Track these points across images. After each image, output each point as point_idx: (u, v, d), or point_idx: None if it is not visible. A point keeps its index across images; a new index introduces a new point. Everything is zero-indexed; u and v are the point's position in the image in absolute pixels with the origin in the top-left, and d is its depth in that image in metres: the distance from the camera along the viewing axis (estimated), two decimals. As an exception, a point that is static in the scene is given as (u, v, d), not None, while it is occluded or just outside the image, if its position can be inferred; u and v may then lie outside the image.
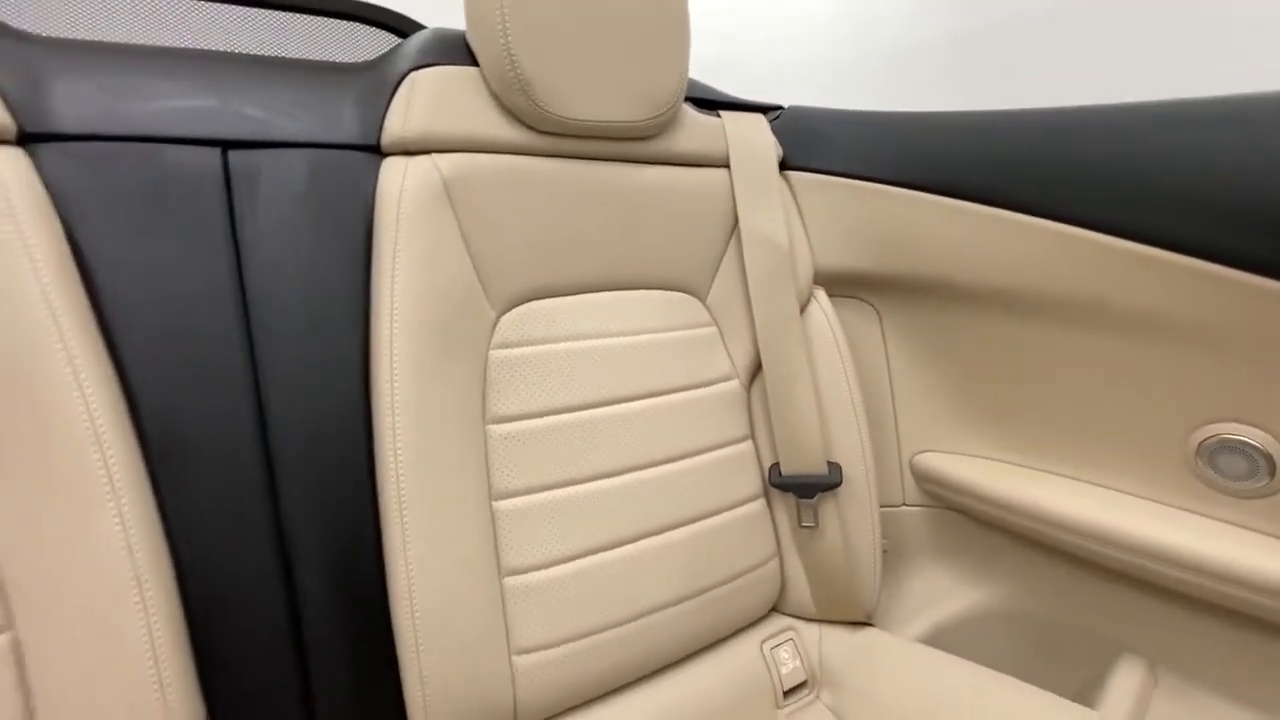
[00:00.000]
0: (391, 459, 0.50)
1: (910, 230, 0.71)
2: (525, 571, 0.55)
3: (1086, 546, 0.67)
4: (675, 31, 0.62)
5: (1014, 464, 0.75)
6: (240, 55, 0.55)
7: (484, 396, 0.56)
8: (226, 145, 0.49)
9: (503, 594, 0.54)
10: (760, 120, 0.73)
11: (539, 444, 0.57)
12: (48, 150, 0.44)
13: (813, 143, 0.75)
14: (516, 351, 0.58)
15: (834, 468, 0.68)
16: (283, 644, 0.50)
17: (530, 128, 0.58)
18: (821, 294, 0.73)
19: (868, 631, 0.70)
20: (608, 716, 0.59)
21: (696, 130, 0.68)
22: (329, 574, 0.51)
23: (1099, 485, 0.69)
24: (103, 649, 0.41)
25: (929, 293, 0.74)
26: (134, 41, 0.52)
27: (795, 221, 0.73)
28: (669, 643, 0.62)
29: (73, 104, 0.45)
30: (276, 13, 0.58)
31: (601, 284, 0.64)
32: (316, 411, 0.51)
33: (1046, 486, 0.70)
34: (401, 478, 0.50)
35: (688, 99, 0.69)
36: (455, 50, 0.58)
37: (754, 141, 0.70)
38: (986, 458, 0.77)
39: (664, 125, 0.64)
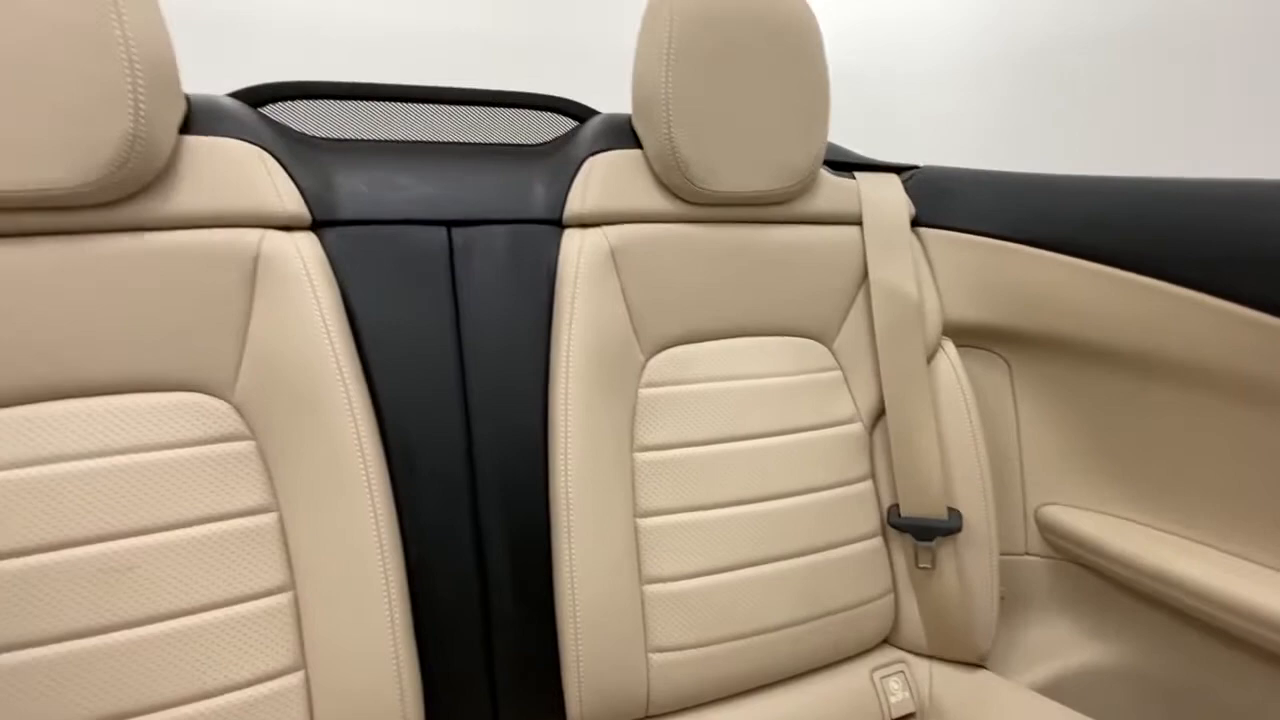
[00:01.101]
0: (562, 477, 0.61)
1: (1039, 288, 0.72)
2: (662, 581, 0.64)
3: (1212, 613, 0.65)
4: (817, 106, 0.68)
5: (1141, 523, 0.74)
6: (460, 146, 0.69)
7: (633, 428, 0.66)
8: (451, 224, 0.63)
9: (643, 599, 0.63)
10: (893, 180, 0.77)
11: (677, 471, 0.66)
12: (329, 232, 0.59)
13: (944, 201, 0.78)
14: (660, 390, 0.67)
15: (954, 514, 0.72)
16: (476, 627, 0.62)
17: (682, 200, 0.67)
18: (950, 345, 0.76)
19: (981, 674, 0.73)
20: (726, 717, 0.66)
21: (832, 192, 0.74)
22: (512, 571, 0.63)
23: (1228, 553, 0.67)
24: (356, 609, 0.54)
25: (1060, 348, 0.75)
26: (381, 137, 0.67)
27: (925, 275, 0.77)
28: (785, 659, 0.68)
29: (348, 197, 0.60)
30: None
31: (736, 330, 0.72)
32: (507, 435, 0.63)
33: (1174, 549, 0.69)
34: (570, 493, 0.61)
35: (825, 162, 0.75)
36: (623, 134, 0.68)
37: (886, 200, 0.75)
38: (1113, 515, 0.76)
39: (802, 191, 0.70)
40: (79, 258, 0.50)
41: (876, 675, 0.73)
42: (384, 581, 0.54)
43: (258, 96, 0.63)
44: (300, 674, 0.53)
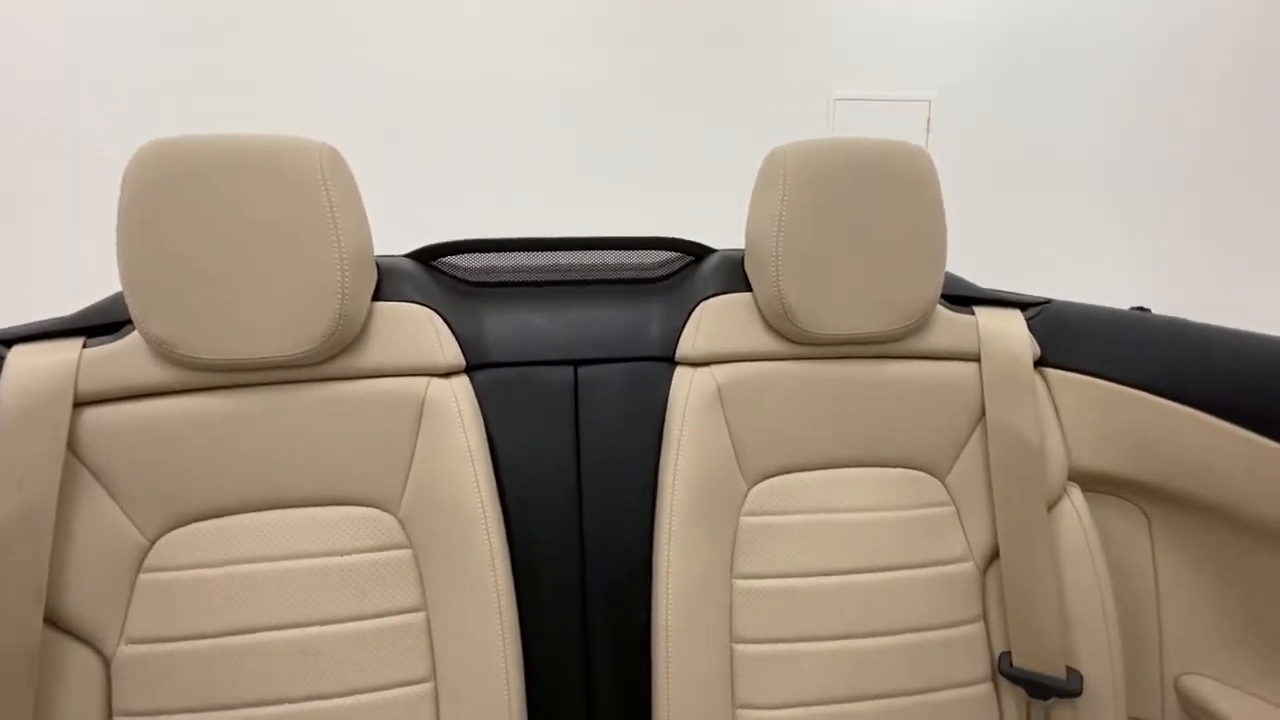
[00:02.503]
0: (663, 602, 0.66)
1: (1179, 446, 0.67)
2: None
3: None
4: (933, 248, 0.69)
5: None
6: (587, 285, 0.78)
7: (733, 554, 0.70)
8: (577, 364, 0.71)
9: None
10: (1016, 316, 0.75)
11: (775, 600, 0.69)
12: (479, 374, 0.70)
13: (1073, 341, 0.75)
14: (761, 519, 0.70)
15: (1074, 675, 0.68)
16: (580, 716, 0.69)
17: (791, 341, 0.71)
18: (1076, 492, 0.72)
19: None
20: None
21: (947, 328, 0.73)
22: (615, 685, 0.69)
23: None
24: (482, 706, 0.63)
25: (1204, 510, 0.69)
26: (520, 275, 0.78)
27: (1049, 418, 0.74)
28: None
29: (495, 343, 0.71)
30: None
31: (841, 462, 0.73)
32: (616, 559, 0.69)
33: None
34: (669, 617, 0.66)
35: (944, 296, 0.75)
36: (735, 276, 0.73)
37: (1008, 337, 0.73)
38: (1266, 699, 0.68)
39: (915, 331, 0.71)
40: (292, 403, 0.63)
41: None
42: (505, 685, 0.63)
43: (428, 254, 0.76)
44: None
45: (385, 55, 2.11)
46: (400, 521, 0.66)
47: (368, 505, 0.66)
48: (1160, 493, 0.71)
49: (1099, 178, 2.46)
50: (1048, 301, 0.79)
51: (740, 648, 0.68)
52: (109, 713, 0.60)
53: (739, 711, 0.67)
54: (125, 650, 0.60)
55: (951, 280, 0.77)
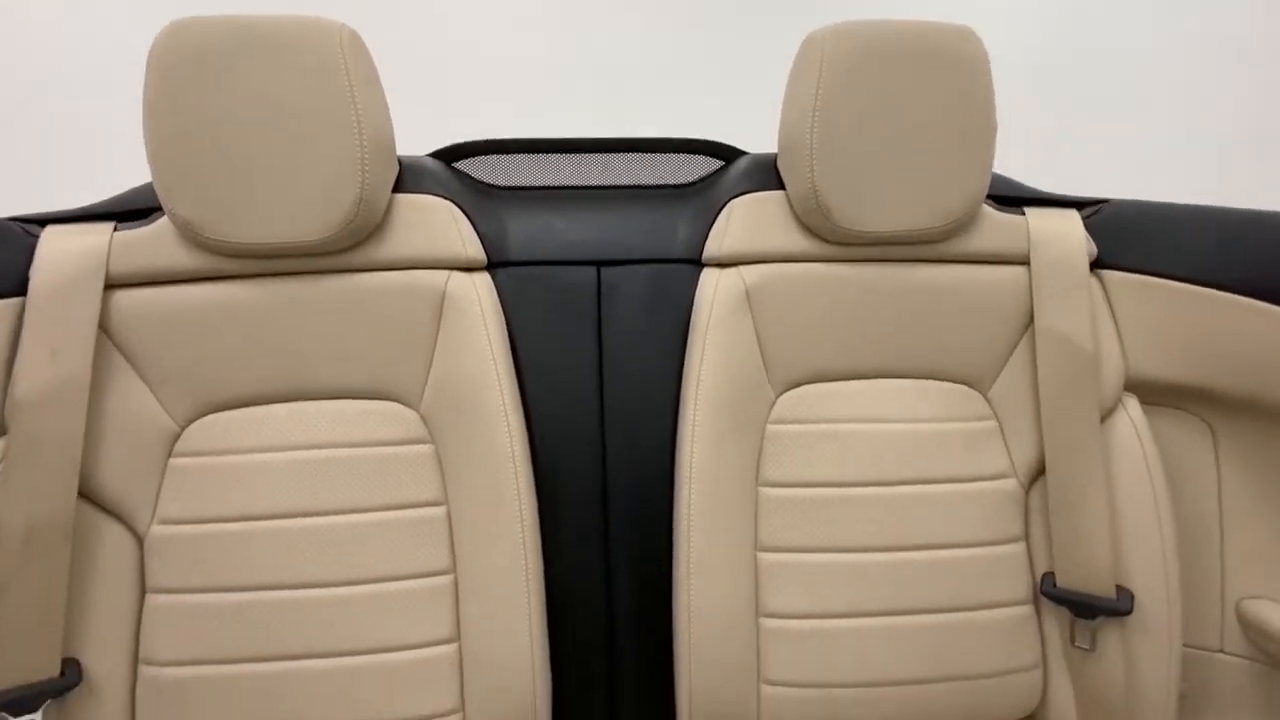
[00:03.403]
0: (685, 508, 0.65)
1: (1253, 347, 0.61)
2: (779, 616, 0.65)
3: None
4: (981, 136, 0.64)
5: None
6: (613, 190, 0.75)
7: (759, 462, 0.67)
8: (600, 264, 0.69)
9: (759, 631, 0.65)
10: (1072, 216, 0.70)
11: (802, 509, 0.66)
12: (500, 272, 0.68)
13: (1135, 240, 0.69)
14: (789, 428, 0.68)
15: (1124, 594, 0.64)
16: (601, 641, 0.68)
17: (825, 240, 0.67)
18: (1133, 403, 0.67)
19: None
20: None
21: (994, 230, 0.69)
22: (636, 591, 0.68)
23: None
24: (501, 601, 0.63)
25: (1274, 417, 0.63)
26: (549, 181, 0.76)
27: (1105, 323, 0.69)
28: (910, 716, 0.66)
29: (517, 241, 0.70)
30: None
31: (877, 372, 0.70)
32: (639, 463, 0.68)
33: None
34: (692, 524, 0.64)
35: (991, 197, 0.70)
36: (766, 175, 0.70)
37: (1062, 238, 0.68)
38: None
39: (959, 229, 0.67)
40: (313, 293, 0.63)
41: None
42: (525, 582, 0.62)
43: (451, 154, 0.74)
44: (454, 646, 0.63)
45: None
46: (422, 417, 0.65)
47: (390, 399, 0.65)
48: (1227, 401, 0.66)
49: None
50: (1105, 201, 0.73)
51: (765, 556, 0.66)
52: (142, 589, 0.61)
53: (762, 620, 0.66)
54: (157, 530, 0.61)
55: (1000, 181, 0.72)
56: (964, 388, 0.70)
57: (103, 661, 0.59)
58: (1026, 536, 0.69)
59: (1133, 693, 0.63)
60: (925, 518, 0.67)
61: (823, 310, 0.68)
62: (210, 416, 0.64)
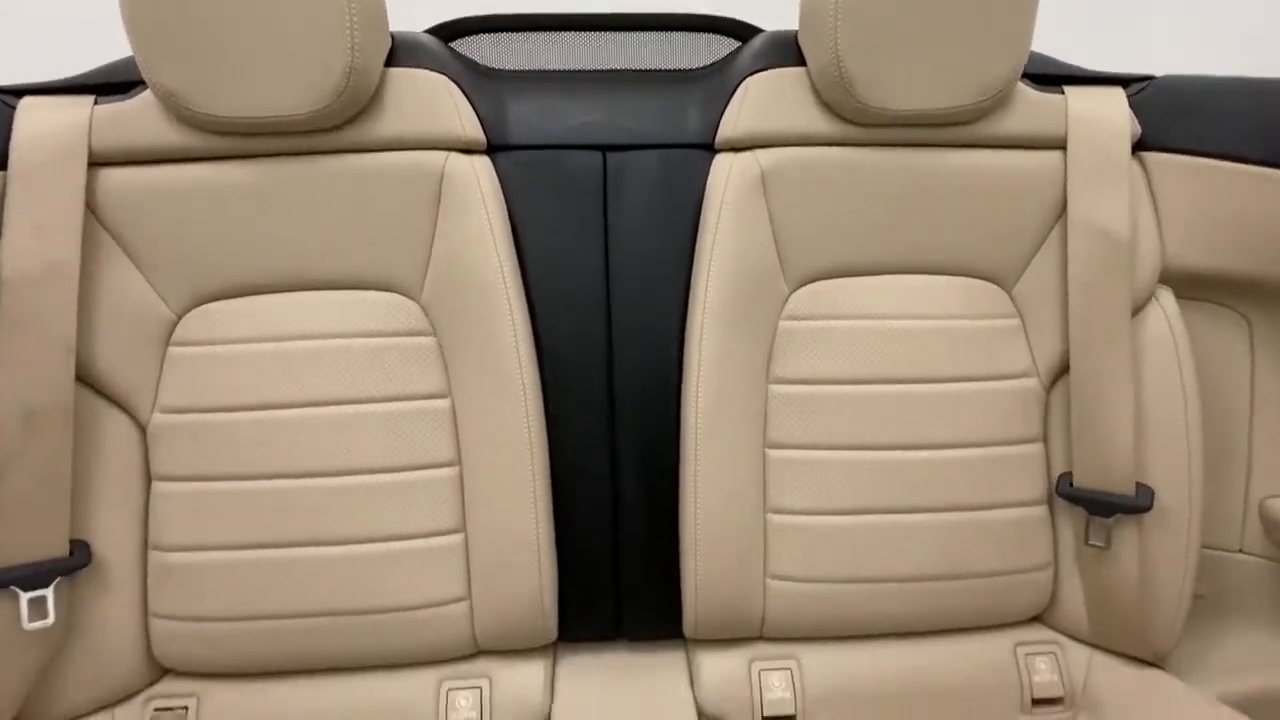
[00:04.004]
0: (693, 402, 0.63)
1: None
2: (786, 512, 0.65)
3: None
4: (1020, 9, 0.59)
5: None
6: (621, 74, 0.71)
7: (770, 359, 0.65)
8: (606, 149, 0.65)
9: (766, 527, 0.64)
10: (1116, 95, 0.65)
11: (812, 407, 0.65)
12: (501, 156, 0.65)
13: (1185, 118, 0.64)
14: (802, 324, 0.65)
15: (1144, 490, 0.62)
16: (606, 534, 0.67)
17: (846, 120, 0.63)
18: (1167, 295, 0.64)
19: (1155, 673, 0.64)
20: (842, 658, 0.66)
21: (1029, 109, 0.64)
22: (643, 485, 0.67)
23: None
24: (506, 492, 0.62)
25: None
26: (556, 65, 0.71)
27: (1145, 211, 0.64)
28: (917, 613, 0.66)
29: (518, 124, 0.65)
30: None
31: (896, 267, 0.66)
32: (645, 357, 0.66)
33: None
34: (699, 419, 0.63)
35: (1026, 75, 0.65)
36: (787, 51, 0.65)
37: (1102, 119, 0.63)
38: None
39: (992, 109, 0.62)
40: (307, 175, 0.60)
41: (1022, 650, 0.67)
42: (530, 472, 0.62)
43: (448, 32, 0.69)
44: (460, 536, 0.63)
45: None
46: (423, 307, 0.63)
47: (390, 290, 0.63)
48: (1271, 290, 0.62)
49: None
50: (1152, 77, 0.68)
51: (773, 453, 0.65)
52: (148, 477, 0.61)
53: (769, 516, 0.65)
54: (158, 419, 0.61)
55: (1038, 59, 0.67)
56: (987, 284, 0.67)
57: (112, 545, 0.59)
58: (1046, 438, 0.67)
59: (1146, 592, 0.62)
60: (941, 417, 0.64)
61: (841, 198, 0.64)
62: (207, 305, 0.62)
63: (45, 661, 0.56)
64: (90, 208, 0.58)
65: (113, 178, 0.58)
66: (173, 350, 0.61)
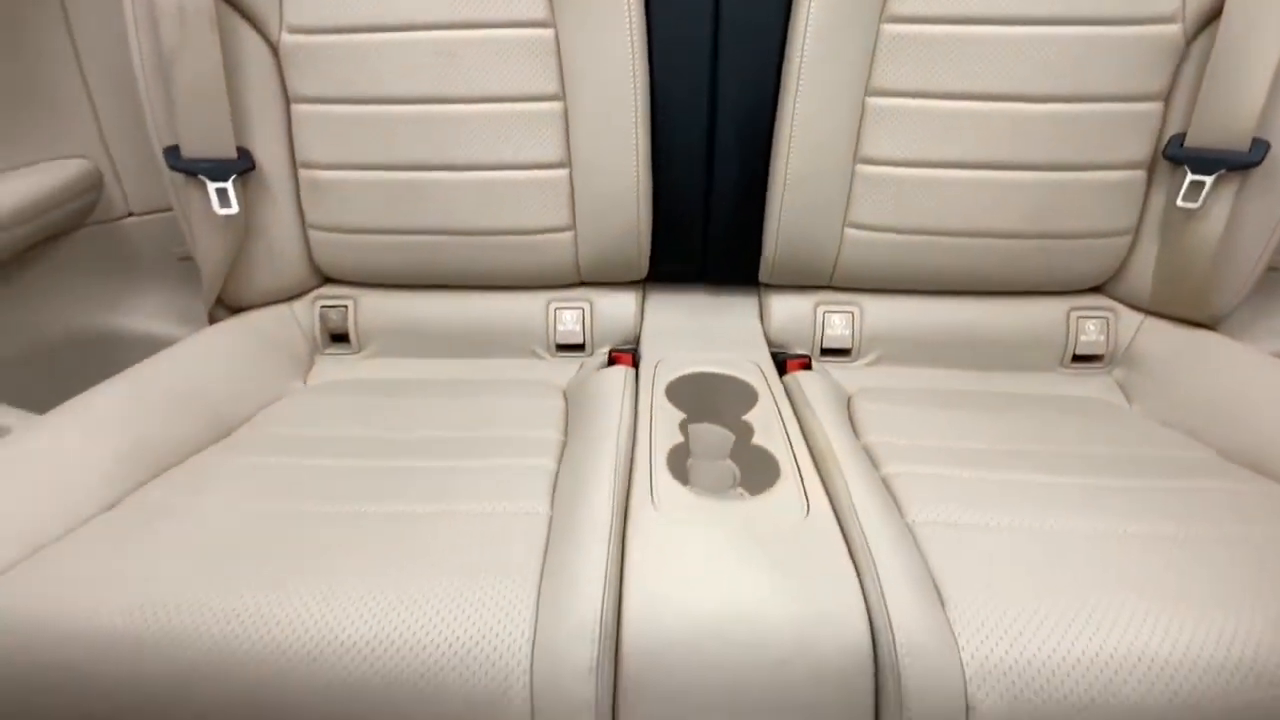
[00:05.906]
0: (798, 50, 0.62)
1: None
2: (875, 163, 0.66)
3: None
4: None
5: None
6: None
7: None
8: None
9: (853, 175, 0.67)
10: None
11: (925, 51, 0.63)
12: None
13: None
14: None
15: (1259, 144, 0.60)
16: (700, 174, 0.72)
17: None
18: None
19: (1204, 333, 0.67)
20: (901, 306, 0.73)
21: None
22: (737, 132, 0.70)
23: None
24: (610, 127, 0.66)
25: None
26: None
27: None
28: (985, 271, 0.70)
29: None
30: None
31: None
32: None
33: None
34: (804, 58, 0.62)
35: None
36: None
37: None
38: None
39: None
40: None
41: (1075, 314, 0.72)
42: (633, 106, 0.65)
43: None
44: (565, 171, 0.68)
45: None
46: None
47: None
48: None
49: None
50: None
51: (874, 100, 0.65)
52: (286, 98, 0.67)
53: (858, 166, 0.67)
54: (287, 39, 0.64)
55: None
56: None
57: (267, 157, 0.68)
58: (1169, 96, 0.63)
59: (1224, 255, 0.63)
60: (1050, 65, 0.62)
61: None
62: None
63: (235, 247, 0.68)
64: None
65: None
66: None
